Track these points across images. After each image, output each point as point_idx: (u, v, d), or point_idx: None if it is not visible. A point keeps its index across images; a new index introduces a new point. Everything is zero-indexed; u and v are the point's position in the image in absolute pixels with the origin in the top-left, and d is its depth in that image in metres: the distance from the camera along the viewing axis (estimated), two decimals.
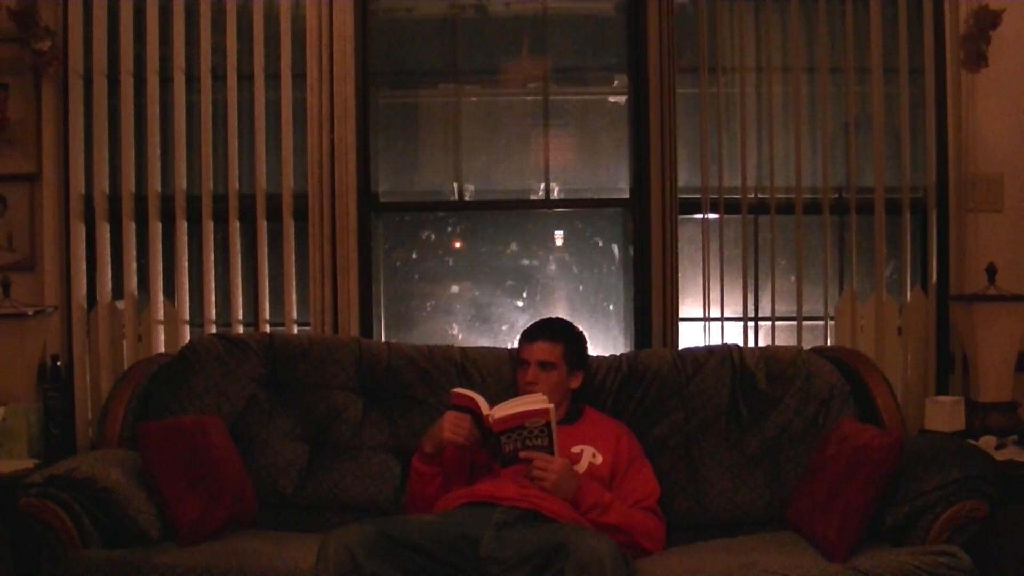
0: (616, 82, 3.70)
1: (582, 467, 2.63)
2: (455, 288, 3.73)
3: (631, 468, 2.70)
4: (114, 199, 3.44)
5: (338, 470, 2.88)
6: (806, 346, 3.21)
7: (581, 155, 3.71)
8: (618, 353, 3.14)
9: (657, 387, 2.95)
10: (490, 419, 2.45)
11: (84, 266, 3.42)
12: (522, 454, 2.48)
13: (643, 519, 2.59)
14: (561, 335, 2.81)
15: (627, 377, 2.99)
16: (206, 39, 3.41)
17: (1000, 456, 2.84)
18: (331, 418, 2.96)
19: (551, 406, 2.46)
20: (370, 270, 3.52)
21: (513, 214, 3.70)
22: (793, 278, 3.47)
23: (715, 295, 3.44)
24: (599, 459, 2.66)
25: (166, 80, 3.43)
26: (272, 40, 3.41)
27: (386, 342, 3.21)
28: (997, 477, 2.45)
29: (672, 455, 2.87)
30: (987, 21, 3.26)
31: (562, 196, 3.65)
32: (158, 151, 3.43)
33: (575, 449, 2.67)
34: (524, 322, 3.61)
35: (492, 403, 2.51)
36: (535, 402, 2.47)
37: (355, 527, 2.25)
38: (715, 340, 3.45)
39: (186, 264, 3.43)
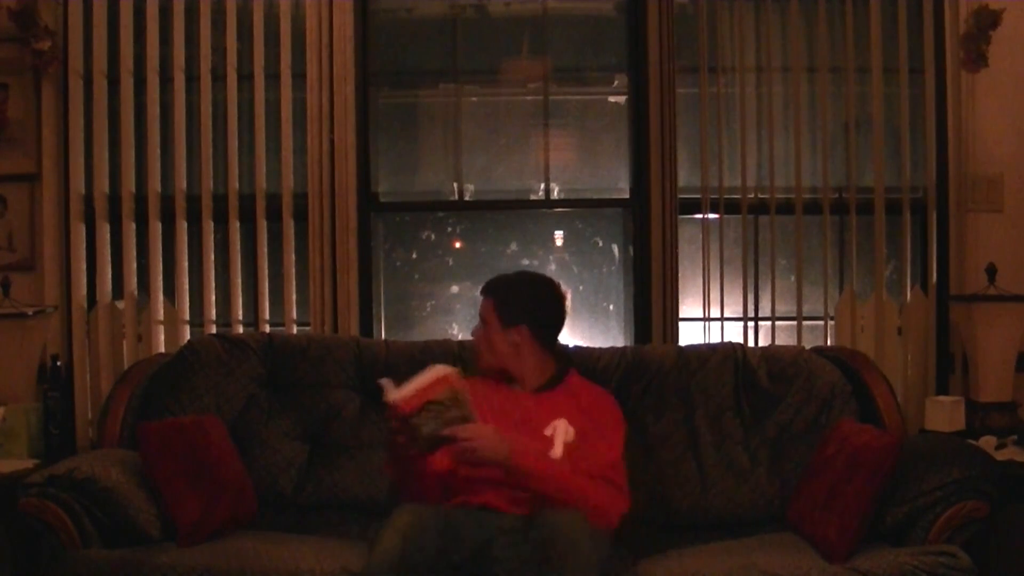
0: (616, 82, 3.70)
1: (557, 451, 2.48)
2: (455, 288, 3.73)
3: (595, 434, 2.54)
4: (114, 199, 3.44)
5: (338, 469, 2.88)
6: (806, 346, 3.20)
7: (581, 155, 3.71)
8: None
9: (660, 381, 2.94)
10: (395, 404, 2.24)
11: (84, 266, 3.42)
12: (443, 432, 2.27)
13: (594, 491, 2.41)
14: (492, 290, 2.68)
15: (631, 367, 2.97)
16: (206, 39, 3.41)
17: (1000, 456, 2.84)
18: (330, 417, 2.95)
19: (453, 370, 2.32)
20: (370, 270, 3.52)
21: (513, 214, 3.70)
22: (793, 278, 3.47)
23: (715, 295, 3.44)
24: (571, 433, 2.52)
25: (166, 80, 3.43)
26: (272, 40, 3.41)
27: (385, 340, 3.21)
28: (997, 477, 2.45)
29: (674, 451, 2.86)
30: (987, 21, 3.26)
31: (562, 196, 3.65)
32: (158, 151, 3.43)
33: (547, 431, 2.53)
34: None
35: None
36: (437, 372, 2.30)
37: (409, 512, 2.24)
38: (715, 340, 3.44)
39: (186, 264, 3.44)
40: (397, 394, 2.24)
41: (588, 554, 2.15)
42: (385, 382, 2.27)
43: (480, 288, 2.72)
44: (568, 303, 2.75)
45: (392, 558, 2.16)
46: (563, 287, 2.76)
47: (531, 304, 2.65)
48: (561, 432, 2.52)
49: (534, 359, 2.64)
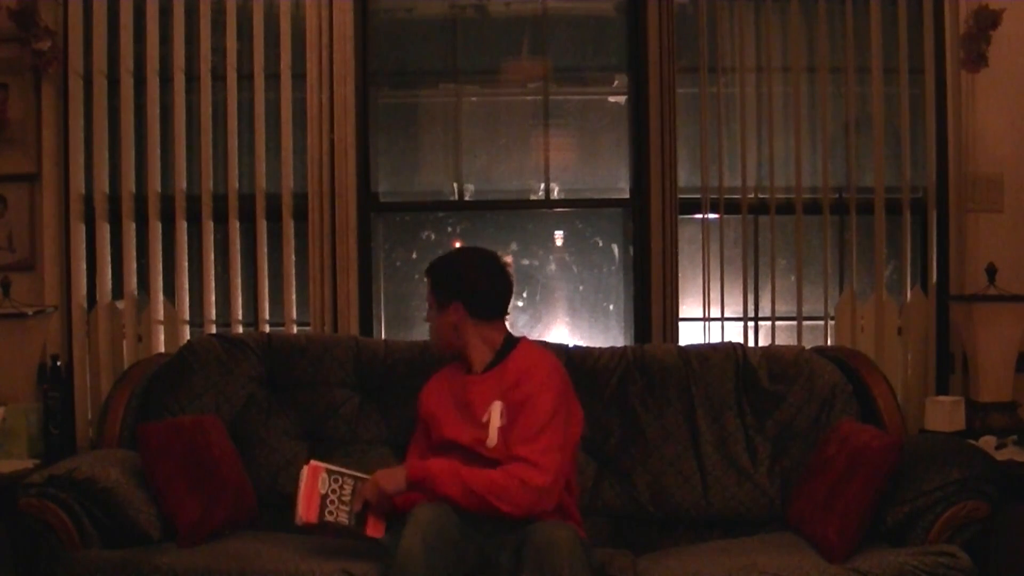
0: (616, 82, 3.70)
1: (492, 438, 2.41)
2: None
3: (520, 409, 2.41)
4: (114, 199, 3.44)
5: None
6: (806, 346, 3.20)
7: (581, 155, 3.71)
8: None
9: (661, 380, 2.94)
10: (302, 522, 2.39)
11: (84, 266, 3.42)
12: (357, 509, 2.42)
13: (498, 479, 2.30)
14: (428, 270, 2.62)
15: (632, 366, 2.97)
16: (206, 39, 3.41)
17: (1000, 456, 2.84)
18: (328, 415, 2.96)
19: (312, 462, 2.44)
20: (370, 270, 3.52)
21: (513, 214, 3.70)
22: (793, 278, 3.47)
23: (715, 295, 3.44)
24: (504, 416, 2.43)
25: (166, 80, 3.43)
26: (272, 40, 3.41)
27: (384, 339, 3.21)
28: (997, 477, 2.45)
29: (675, 449, 2.86)
30: (987, 21, 3.26)
31: (562, 196, 3.65)
32: (158, 151, 3.43)
33: (484, 418, 2.45)
34: (524, 322, 3.62)
35: None
36: (304, 473, 2.42)
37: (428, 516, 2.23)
38: (715, 340, 3.44)
39: (186, 264, 3.44)
40: (298, 514, 2.38)
41: (582, 560, 2.17)
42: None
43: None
44: (511, 274, 2.61)
45: (416, 558, 2.15)
46: (503, 258, 2.65)
47: (462, 279, 2.54)
48: (495, 417, 2.44)
49: (476, 338, 2.55)
